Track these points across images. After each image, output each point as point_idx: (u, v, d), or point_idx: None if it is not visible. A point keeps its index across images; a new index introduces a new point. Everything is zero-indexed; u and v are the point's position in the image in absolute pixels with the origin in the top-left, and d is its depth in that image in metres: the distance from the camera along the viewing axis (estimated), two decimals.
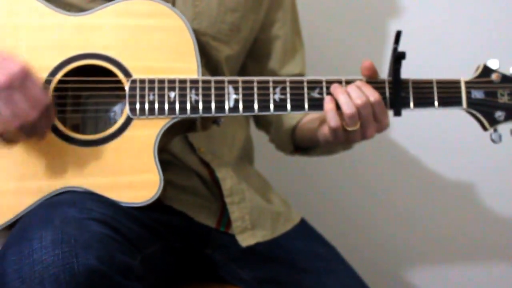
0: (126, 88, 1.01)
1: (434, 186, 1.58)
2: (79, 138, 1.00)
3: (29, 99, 0.92)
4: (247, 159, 1.26)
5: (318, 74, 1.32)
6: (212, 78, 1.02)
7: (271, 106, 1.01)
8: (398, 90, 1.01)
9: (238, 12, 1.13)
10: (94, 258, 0.85)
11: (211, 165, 1.13)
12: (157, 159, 1.00)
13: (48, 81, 1.01)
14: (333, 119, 0.99)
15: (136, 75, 1.01)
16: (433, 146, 1.56)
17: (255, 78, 1.02)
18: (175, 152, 1.10)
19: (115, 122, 1.02)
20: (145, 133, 1.00)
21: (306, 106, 1.02)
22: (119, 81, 1.02)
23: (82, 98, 1.06)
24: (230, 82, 1.02)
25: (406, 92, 1.02)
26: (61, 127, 1.00)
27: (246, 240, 1.11)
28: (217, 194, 1.13)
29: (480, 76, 1.04)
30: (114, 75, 1.02)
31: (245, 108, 1.01)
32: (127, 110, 1.00)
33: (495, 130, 1.03)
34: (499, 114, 1.02)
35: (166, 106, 1.00)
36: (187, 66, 1.02)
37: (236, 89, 1.01)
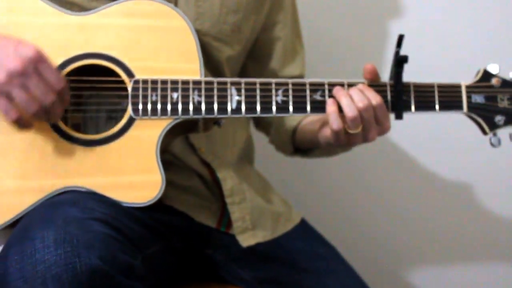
0: (129, 88, 1.00)
1: (433, 187, 1.59)
2: (81, 137, 1.00)
3: (44, 83, 0.92)
4: (247, 159, 1.25)
5: (319, 75, 1.32)
6: (215, 79, 1.01)
7: (273, 108, 1.01)
8: (399, 93, 1.01)
9: (240, 13, 1.13)
10: (96, 258, 0.84)
11: (211, 165, 1.13)
12: (159, 159, 0.99)
13: (61, 66, 1.00)
14: (335, 122, 0.99)
15: (138, 75, 1.01)
16: (433, 147, 1.56)
17: (258, 80, 1.02)
18: (176, 152, 1.10)
19: (116, 122, 1.01)
20: (148, 134, 1.00)
21: (308, 108, 1.02)
22: (122, 81, 1.01)
23: (83, 98, 1.06)
24: (232, 83, 1.01)
25: (407, 95, 1.02)
26: (63, 126, 1.00)
27: (246, 240, 1.11)
28: (218, 194, 1.13)
29: (480, 80, 1.04)
30: (117, 75, 1.01)
31: (248, 110, 1.01)
32: (129, 110, 1.00)
33: (495, 135, 1.04)
34: (499, 119, 1.03)
35: (169, 107, 1.00)
36: (189, 66, 1.02)
37: (238, 90, 1.01)
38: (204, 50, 1.04)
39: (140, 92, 1.00)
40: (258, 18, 1.18)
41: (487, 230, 1.59)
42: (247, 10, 1.14)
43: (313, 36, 1.38)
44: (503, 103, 1.03)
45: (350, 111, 0.98)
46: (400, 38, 0.99)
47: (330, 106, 1.00)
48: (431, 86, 1.03)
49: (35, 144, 0.99)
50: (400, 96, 1.01)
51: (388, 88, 1.02)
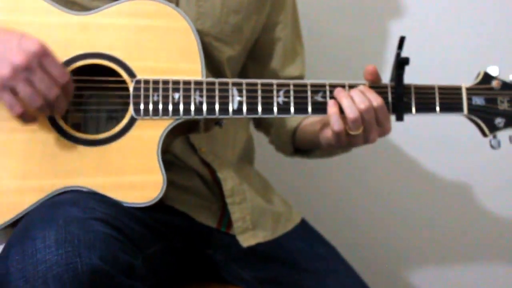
0: (131, 88, 1.00)
1: (434, 187, 1.59)
2: (82, 137, 0.99)
3: (49, 77, 0.92)
4: (247, 159, 1.25)
5: (320, 75, 1.31)
6: (217, 80, 1.01)
7: (275, 109, 1.01)
8: (400, 95, 1.01)
9: (241, 13, 1.13)
10: (97, 258, 0.84)
11: (212, 165, 1.12)
12: (160, 159, 0.99)
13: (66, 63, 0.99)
14: (336, 123, 0.99)
15: (140, 76, 1.00)
16: (433, 147, 1.56)
17: (259, 81, 1.02)
18: (176, 152, 1.10)
19: (117, 122, 1.01)
20: (149, 134, 0.99)
21: (310, 109, 1.01)
22: (123, 81, 1.01)
23: (84, 98, 1.05)
24: (234, 84, 1.01)
25: (408, 97, 1.02)
26: (64, 126, 0.99)
27: (247, 240, 1.11)
28: (218, 194, 1.13)
29: (480, 82, 1.04)
30: (118, 75, 1.01)
31: (249, 111, 1.01)
32: (131, 110, 1.00)
33: (495, 137, 1.03)
34: (499, 121, 1.03)
35: (170, 107, 1.00)
36: (191, 67, 1.01)
37: (240, 91, 1.01)
38: (205, 50, 1.03)
39: (142, 92, 1.00)
40: (259, 19, 1.17)
41: (488, 230, 1.59)
42: (248, 10, 1.14)
43: (314, 36, 1.38)
44: (503, 105, 1.03)
45: (351, 113, 0.98)
46: (401, 40, 0.99)
47: (331, 108, 1.00)
48: (431, 88, 1.03)
49: (36, 144, 0.99)
50: (401, 98, 1.01)
51: (389, 90, 1.02)
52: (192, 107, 1.00)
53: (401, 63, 1.00)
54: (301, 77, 1.24)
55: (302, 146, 1.21)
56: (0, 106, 0.98)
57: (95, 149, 0.99)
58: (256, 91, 1.01)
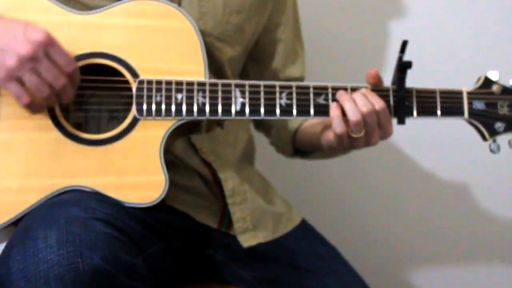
0: (134, 88, 0.99)
1: (434, 187, 1.58)
2: (85, 137, 0.98)
3: (55, 67, 0.92)
4: (248, 159, 1.24)
5: (320, 75, 1.31)
6: (219, 81, 1.00)
7: (277, 111, 1.00)
8: (402, 99, 1.01)
9: (243, 13, 1.12)
10: (98, 258, 0.83)
11: (213, 165, 1.11)
12: (163, 160, 0.98)
13: None
14: (338, 126, 0.99)
15: (143, 76, 0.99)
16: (433, 148, 1.55)
17: (262, 83, 1.01)
18: (177, 152, 1.08)
19: (118, 122, 1.00)
20: (152, 134, 0.98)
21: (312, 112, 1.01)
22: (126, 81, 0.99)
23: (85, 97, 1.04)
24: (237, 85, 1.00)
25: (410, 101, 1.01)
26: (67, 125, 0.98)
27: (247, 241, 1.10)
28: (219, 194, 1.12)
29: (481, 87, 1.04)
30: (121, 75, 0.99)
31: (252, 112, 1.00)
32: (134, 111, 0.98)
33: (494, 141, 1.03)
34: (499, 125, 1.03)
35: (173, 108, 0.98)
36: (194, 68, 1.00)
37: (243, 92, 1.00)
38: (206, 51, 1.02)
39: (145, 93, 0.98)
40: (260, 19, 1.16)
41: (490, 231, 1.58)
42: (250, 11, 1.13)
43: (315, 37, 1.37)
44: (503, 110, 1.03)
45: (353, 116, 0.97)
46: (404, 44, 0.99)
47: (334, 110, 0.99)
48: (433, 92, 1.02)
49: (38, 143, 0.97)
50: (403, 101, 1.01)
51: (391, 93, 1.02)
52: (195, 108, 0.99)
53: (403, 66, 0.99)
54: (301, 78, 1.24)
55: (302, 148, 1.20)
56: (2, 105, 0.98)
57: (97, 149, 0.98)
58: (259, 92, 1.00)
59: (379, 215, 1.60)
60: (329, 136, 1.03)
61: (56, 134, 0.97)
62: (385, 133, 1.01)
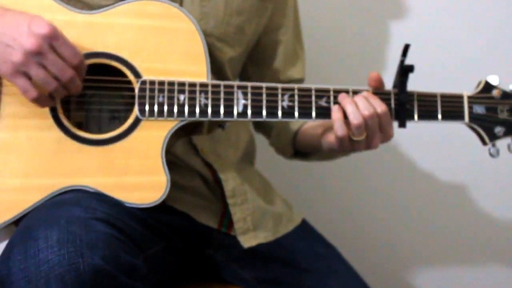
0: (136, 89, 0.97)
1: (434, 188, 1.57)
2: (86, 136, 0.97)
3: (61, 60, 0.91)
4: (249, 160, 1.23)
5: (321, 75, 1.30)
6: (222, 83, 0.99)
7: (279, 113, 0.99)
8: (403, 102, 1.00)
9: (244, 15, 1.10)
10: (99, 258, 0.82)
11: (213, 166, 1.10)
12: (164, 160, 0.97)
13: None
14: (340, 129, 0.98)
15: (145, 76, 0.97)
16: (433, 148, 1.54)
17: (264, 84, 1.00)
18: (178, 153, 1.07)
19: (119, 122, 0.98)
20: (154, 134, 0.97)
21: (314, 114, 1.00)
22: (128, 82, 0.98)
23: (86, 97, 1.02)
24: (239, 87, 0.99)
25: (411, 104, 1.01)
26: (69, 125, 0.96)
27: (248, 241, 1.09)
28: (219, 195, 1.11)
29: (481, 91, 1.03)
30: (123, 75, 0.98)
31: (254, 114, 0.99)
32: (136, 111, 0.97)
33: (494, 145, 1.03)
34: (499, 130, 1.02)
35: (175, 109, 0.97)
36: (196, 69, 0.99)
37: (245, 94, 0.99)
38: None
39: (147, 93, 0.97)
40: (261, 21, 1.15)
41: (491, 232, 1.58)
42: (251, 12, 1.11)
43: (316, 37, 1.36)
44: (503, 115, 1.03)
45: (355, 118, 0.97)
46: (406, 48, 0.98)
47: (336, 113, 0.98)
48: (434, 95, 1.02)
49: (40, 142, 0.95)
50: (404, 105, 1.00)
51: (392, 96, 1.01)
52: (197, 109, 0.97)
53: (405, 70, 0.99)
54: (301, 80, 1.23)
55: (302, 149, 1.19)
56: (4, 104, 0.96)
57: (99, 148, 0.96)
58: (261, 94, 0.99)
59: (379, 215, 1.59)
60: (330, 138, 1.02)
61: (57, 133, 0.96)
62: (386, 136, 1.00)
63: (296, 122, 1.18)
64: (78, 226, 0.84)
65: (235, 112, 0.98)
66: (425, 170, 1.57)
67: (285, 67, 1.21)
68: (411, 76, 1.00)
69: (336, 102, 0.99)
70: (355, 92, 1.00)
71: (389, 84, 1.03)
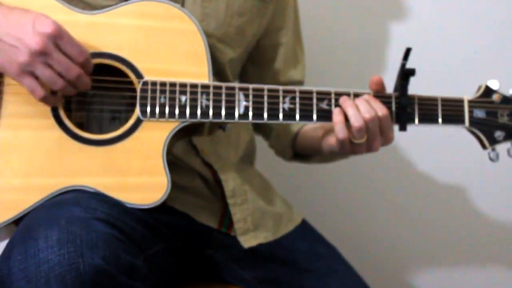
0: (138, 89, 0.96)
1: (434, 188, 1.56)
2: (88, 137, 0.95)
3: (67, 58, 0.90)
4: (249, 160, 1.22)
5: (322, 76, 1.29)
6: (223, 84, 0.98)
7: (280, 115, 0.98)
8: (404, 106, 0.99)
9: (245, 16, 1.09)
10: (99, 258, 0.81)
11: (214, 166, 1.09)
12: (165, 161, 0.96)
13: None
14: (341, 131, 0.97)
15: (147, 77, 0.96)
16: (434, 148, 1.53)
17: (265, 86, 0.99)
18: (178, 153, 1.06)
19: (120, 122, 0.97)
20: (155, 135, 0.96)
21: (315, 117, 0.99)
22: (130, 82, 0.97)
23: (87, 97, 1.01)
24: (241, 89, 0.98)
25: (411, 108, 1.00)
26: (70, 125, 0.95)
27: (248, 241, 1.08)
28: (219, 195, 1.10)
29: (482, 96, 1.02)
30: (125, 75, 0.97)
31: (255, 116, 0.98)
32: (137, 112, 0.96)
33: (494, 149, 1.02)
34: (499, 134, 1.01)
35: (177, 110, 0.96)
36: (198, 70, 0.98)
37: (246, 96, 0.98)
38: None
39: (149, 94, 0.96)
40: (262, 22, 1.14)
41: (487, 231, 1.56)
42: (252, 13, 1.10)
43: (316, 38, 1.35)
44: (503, 119, 1.02)
45: (356, 122, 0.96)
46: (408, 51, 0.97)
47: (337, 116, 0.97)
48: (434, 99, 1.00)
49: (41, 142, 0.94)
50: (405, 108, 0.99)
51: (393, 100, 1.00)
52: (199, 111, 0.96)
53: (406, 74, 0.98)
54: (301, 82, 1.22)
55: (302, 151, 1.18)
56: (6, 103, 0.95)
57: (100, 149, 0.95)
58: (262, 96, 0.98)
59: (379, 216, 1.58)
60: (331, 141, 1.01)
61: (59, 133, 0.95)
62: (387, 140, 0.99)
63: (296, 124, 1.16)
64: (78, 226, 0.83)
65: (236, 114, 0.97)
66: (425, 171, 1.56)
67: (285, 68, 1.20)
68: (411, 78, 0.99)
69: (337, 105, 0.98)
70: (356, 95, 0.99)
71: (389, 86, 1.02)
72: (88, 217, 0.86)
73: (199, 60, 0.98)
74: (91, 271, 0.79)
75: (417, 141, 1.49)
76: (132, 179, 0.95)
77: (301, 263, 1.10)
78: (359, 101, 0.98)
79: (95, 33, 0.96)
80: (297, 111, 0.98)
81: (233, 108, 0.97)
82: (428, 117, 1.00)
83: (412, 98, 1.00)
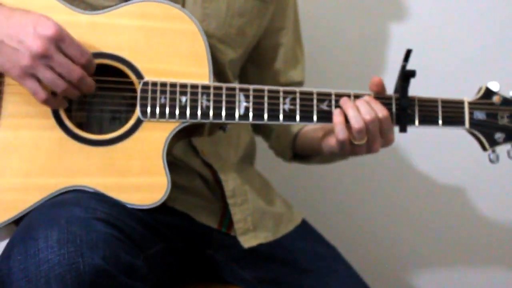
0: (138, 90, 0.95)
1: (434, 189, 1.56)
2: (88, 137, 0.95)
3: (68, 60, 0.89)
4: (249, 160, 1.22)
5: (322, 75, 1.28)
6: (224, 85, 0.97)
7: (281, 116, 0.98)
8: (405, 107, 0.98)
9: (245, 16, 1.09)
10: (99, 258, 0.81)
11: (214, 166, 1.08)
12: (165, 162, 0.95)
13: None
14: (341, 132, 0.96)
15: (148, 77, 0.96)
16: (434, 149, 1.53)
17: (266, 87, 0.98)
18: (178, 153, 1.06)
19: (120, 123, 0.97)
20: (155, 136, 0.95)
21: (315, 118, 0.98)
22: (130, 82, 0.96)
23: (88, 97, 1.01)
24: (241, 89, 0.97)
25: (412, 109, 0.99)
26: (70, 125, 0.95)
27: (248, 241, 1.08)
28: (219, 195, 1.09)
29: (482, 97, 1.02)
30: (125, 75, 0.96)
31: (255, 117, 0.97)
32: (138, 112, 0.95)
33: (494, 151, 1.01)
34: (499, 136, 1.01)
35: (177, 111, 0.95)
36: (199, 71, 0.97)
37: (247, 97, 0.97)
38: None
39: (149, 94, 0.95)
40: (262, 23, 1.14)
41: (487, 232, 1.56)
42: (252, 14, 1.10)
43: (316, 38, 1.34)
44: (503, 121, 1.01)
45: (356, 123, 0.95)
46: (408, 53, 0.96)
47: (337, 117, 0.97)
48: (435, 101, 1.00)
49: (41, 142, 0.94)
50: (405, 110, 0.99)
51: (393, 101, 0.99)
52: (199, 111, 0.96)
53: (406, 75, 0.97)
54: (301, 82, 1.21)
55: (302, 152, 1.18)
56: (6, 103, 0.95)
57: (100, 149, 0.95)
58: (262, 97, 0.97)
59: (379, 216, 1.58)
60: (331, 141, 1.01)
61: (59, 133, 0.94)
62: (387, 141, 0.99)
63: (296, 125, 1.16)
64: (78, 226, 0.83)
65: (237, 115, 0.97)
66: (425, 172, 1.55)
67: (285, 69, 1.19)
68: (412, 79, 0.98)
69: (337, 106, 0.98)
70: (357, 96, 0.99)
71: (389, 87, 1.02)
72: (88, 217, 0.86)
73: (200, 61, 0.97)
74: (91, 271, 0.79)
75: (417, 142, 1.49)
76: (132, 180, 0.95)
77: (301, 263, 1.10)
78: (359, 102, 0.97)
79: (96, 33, 0.96)
80: (298, 112, 0.98)
81: (234, 108, 0.97)
82: (428, 119, 1.00)
83: (412, 99, 0.99)
